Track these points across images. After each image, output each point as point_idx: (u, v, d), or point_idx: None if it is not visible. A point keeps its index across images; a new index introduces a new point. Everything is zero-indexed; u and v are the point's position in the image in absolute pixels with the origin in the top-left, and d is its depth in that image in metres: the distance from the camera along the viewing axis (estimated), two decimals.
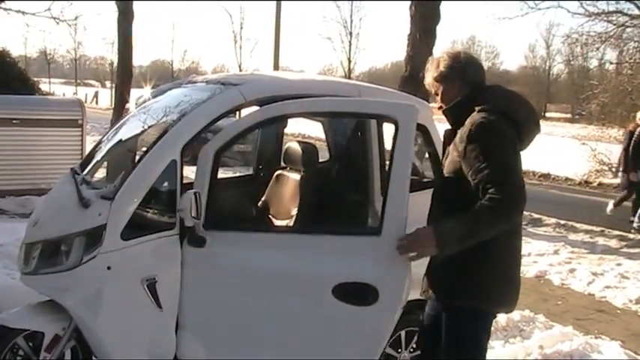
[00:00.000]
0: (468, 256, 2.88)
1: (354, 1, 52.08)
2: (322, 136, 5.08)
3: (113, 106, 18.84)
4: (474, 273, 2.95)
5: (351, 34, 50.62)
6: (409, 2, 11.39)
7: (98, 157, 4.08)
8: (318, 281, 3.17)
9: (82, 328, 3.33)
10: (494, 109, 2.94)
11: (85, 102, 20.63)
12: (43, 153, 9.45)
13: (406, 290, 3.11)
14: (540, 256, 8.76)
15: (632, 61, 19.23)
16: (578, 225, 10.84)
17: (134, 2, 15.83)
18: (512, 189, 2.79)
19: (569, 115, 59.53)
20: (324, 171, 4.45)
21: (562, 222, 11.01)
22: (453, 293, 3.02)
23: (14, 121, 9.33)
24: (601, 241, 9.94)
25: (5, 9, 22.35)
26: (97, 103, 50.68)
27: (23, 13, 23.41)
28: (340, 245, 3.24)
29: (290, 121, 4.61)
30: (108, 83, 58.63)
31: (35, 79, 23.53)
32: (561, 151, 22.95)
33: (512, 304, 3.11)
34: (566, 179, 17.97)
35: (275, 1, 18.32)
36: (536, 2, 19.26)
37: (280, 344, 3.33)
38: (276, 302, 3.27)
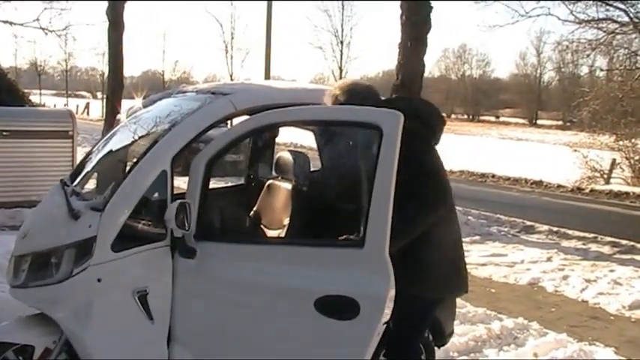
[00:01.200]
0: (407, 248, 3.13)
1: (346, 1, 51.97)
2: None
3: (104, 117, 18.82)
4: (414, 261, 3.23)
5: (342, 43, 50.74)
6: (400, 11, 11.42)
7: (88, 168, 4.05)
8: (302, 294, 3.08)
9: (73, 341, 3.29)
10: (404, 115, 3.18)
11: (76, 113, 20.52)
12: (33, 165, 9.41)
13: (388, 305, 2.96)
14: (533, 263, 8.77)
15: (622, 68, 19.33)
16: (570, 232, 10.88)
17: (124, 13, 15.84)
18: (436, 183, 3.25)
19: (560, 123, 59.91)
20: (314, 181, 4.41)
21: (555, 229, 11.04)
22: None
23: (4, 133, 9.31)
24: (594, 247, 9.96)
25: None
26: (88, 114, 50.57)
27: (11, 23, 23.37)
28: (325, 257, 3.13)
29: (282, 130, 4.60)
30: (99, 94, 58.52)
31: (26, 90, 23.39)
32: (553, 158, 23.14)
33: (454, 288, 3.54)
34: (559, 186, 18.05)
35: (265, 11, 18.34)
36: (527, 10, 19.32)
37: (267, 357, 3.28)
38: (264, 315, 3.21)
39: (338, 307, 2.98)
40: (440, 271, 3.39)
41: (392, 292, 2.95)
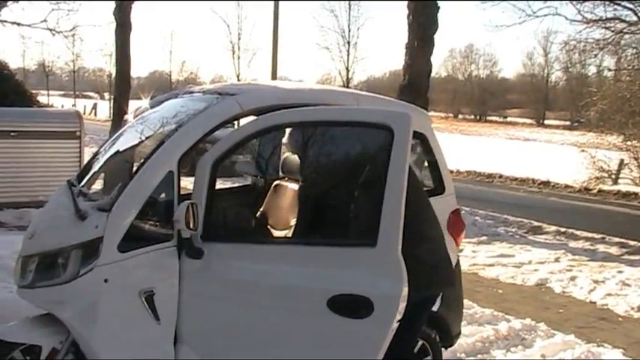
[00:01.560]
0: None
1: (352, 2, 52.09)
2: None
3: (112, 117, 18.87)
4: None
5: (349, 43, 50.71)
6: (407, 11, 11.40)
7: (95, 168, 4.05)
8: (314, 293, 3.10)
9: (80, 342, 3.29)
10: None
11: (84, 114, 20.51)
12: (41, 165, 9.43)
13: (401, 302, 3.01)
14: (541, 264, 8.74)
15: (630, 67, 19.22)
16: (578, 232, 10.84)
17: (132, 13, 15.88)
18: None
19: (567, 123, 59.72)
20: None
21: (562, 229, 11.00)
22: None
23: (12, 134, 9.33)
24: (602, 248, 9.92)
25: (1, 21, 22.38)
26: (95, 114, 50.71)
27: (19, 24, 23.43)
28: (336, 256, 3.16)
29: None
30: (106, 95, 58.62)
31: (33, 91, 23.47)
32: (561, 158, 23.06)
33: (440, 284, 3.61)
34: (566, 186, 18.00)
35: (272, 11, 18.34)
36: (534, 9, 19.24)
37: (277, 357, 3.29)
38: (273, 314, 3.22)
39: (351, 306, 3.01)
40: (426, 270, 3.37)
41: (405, 291, 2.99)
